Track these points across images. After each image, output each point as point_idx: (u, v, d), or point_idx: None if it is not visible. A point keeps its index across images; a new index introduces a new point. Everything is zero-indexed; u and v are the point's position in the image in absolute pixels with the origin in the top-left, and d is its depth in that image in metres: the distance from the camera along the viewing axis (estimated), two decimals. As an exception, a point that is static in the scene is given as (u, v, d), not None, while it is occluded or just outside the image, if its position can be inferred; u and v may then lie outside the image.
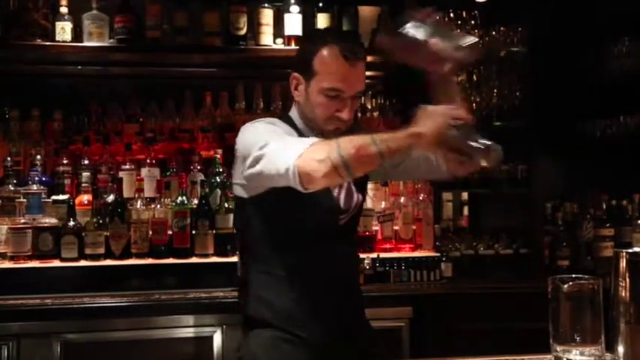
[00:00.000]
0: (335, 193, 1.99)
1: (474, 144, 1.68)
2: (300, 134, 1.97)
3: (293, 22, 3.30)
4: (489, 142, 1.68)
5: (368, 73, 3.73)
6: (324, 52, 1.91)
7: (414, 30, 1.79)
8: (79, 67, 3.45)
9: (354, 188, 2.04)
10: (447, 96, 1.79)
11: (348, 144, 1.69)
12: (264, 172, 1.80)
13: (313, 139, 1.82)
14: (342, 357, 1.95)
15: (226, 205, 3.13)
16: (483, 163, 1.69)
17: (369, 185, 3.44)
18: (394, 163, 2.08)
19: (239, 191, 2.01)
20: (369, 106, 3.63)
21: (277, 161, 1.75)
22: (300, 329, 1.93)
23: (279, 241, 1.97)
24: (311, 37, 2.24)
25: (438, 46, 1.75)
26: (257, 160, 1.81)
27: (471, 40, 1.81)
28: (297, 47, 2.12)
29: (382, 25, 1.93)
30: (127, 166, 3.24)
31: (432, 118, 1.69)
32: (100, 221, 3.05)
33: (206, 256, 3.07)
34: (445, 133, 1.68)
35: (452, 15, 3.42)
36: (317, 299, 1.95)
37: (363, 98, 3.61)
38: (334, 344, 1.94)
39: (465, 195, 3.74)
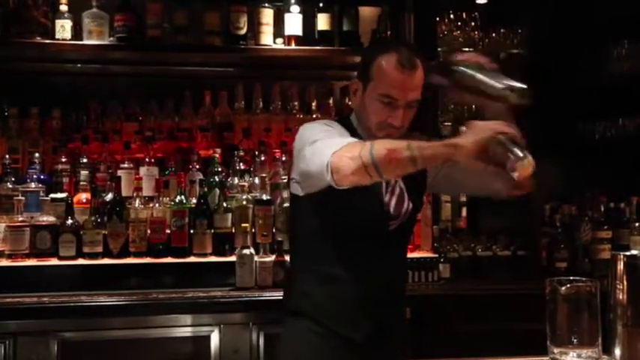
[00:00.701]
0: (386, 198, 2.03)
1: (509, 154, 1.67)
2: (356, 137, 2.00)
3: (293, 22, 3.29)
4: (522, 154, 1.66)
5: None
6: (382, 59, 1.97)
7: (465, 70, 1.89)
8: (79, 65, 3.44)
9: (406, 196, 2.06)
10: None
11: (382, 145, 1.75)
12: (308, 169, 1.88)
13: (353, 139, 1.87)
14: (375, 356, 2.01)
15: (225, 204, 3.13)
16: (514, 174, 1.67)
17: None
18: (441, 174, 2.12)
19: (294, 188, 2.07)
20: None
21: (317, 158, 1.82)
22: (336, 325, 1.99)
23: (327, 240, 2.02)
24: (373, 45, 2.33)
25: (487, 88, 1.84)
26: (304, 158, 1.90)
27: (519, 85, 1.86)
28: (361, 56, 2.19)
29: (434, 62, 2.03)
30: (126, 165, 3.23)
31: (477, 131, 1.72)
32: (98, 220, 3.05)
33: (204, 255, 3.07)
34: (487, 147, 1.69)
35: (452, 16, 3.43)
36: (358, 299, 2.01)
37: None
38: (368, 343, 2.00)
39: (463, 196, 3.73)
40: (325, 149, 1.81)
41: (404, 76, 1.94)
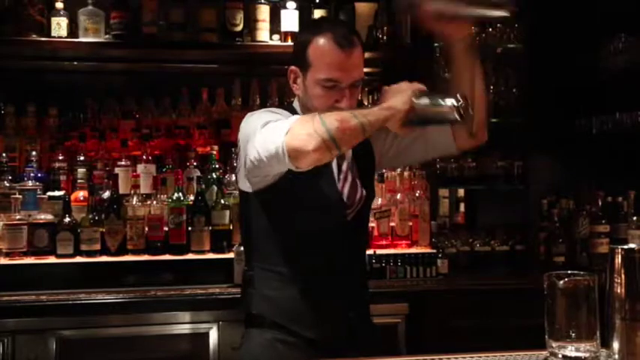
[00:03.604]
0: (339, 186, 1.95)
1: (440, 108, 1.74)
2: None
3: (289, 18, 3.29)
4: (452, 99, 1.72)
5: (365, 70, 3.76)
6: (318, 41, 1.86)
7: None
8: (75, 62, 3.44)
9: (358, 182, 1.99)
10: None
11: (332, 117, 1.69)
12: (260, 157, 1.75)
13: (297, 116, 1.78)
14: (343, 356, 1.89)
15: (222, 201, 3.13)
16: (457, 118, 1.72)
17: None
18: (389, 150, 2.08)
19: (243, 185, 1.96)
20: (366, 103, 3.62)
21: (268, 143, 1.71)
22: (304, 328, 1.90)
23: (283, 238, 1.93)
24: (305, 28, 2.24)
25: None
26: (254, 146, 1.77)
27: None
28: (294, 40, 2.10)
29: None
30: (123, 163, 3.24)
31: (398, 93, 1.77)
32: (96, 217, 3.04)
33: (202, 252, 3.07)
34: (413, 105, 1.75)
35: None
36: (322, 297, 1.91)
37: (359, 95, 3.60)
38: (336, 343, 1.89)
39: (461, 191, 3.74)
40: (276, 131, 1.71)
41: (343, 55, 1.84)
